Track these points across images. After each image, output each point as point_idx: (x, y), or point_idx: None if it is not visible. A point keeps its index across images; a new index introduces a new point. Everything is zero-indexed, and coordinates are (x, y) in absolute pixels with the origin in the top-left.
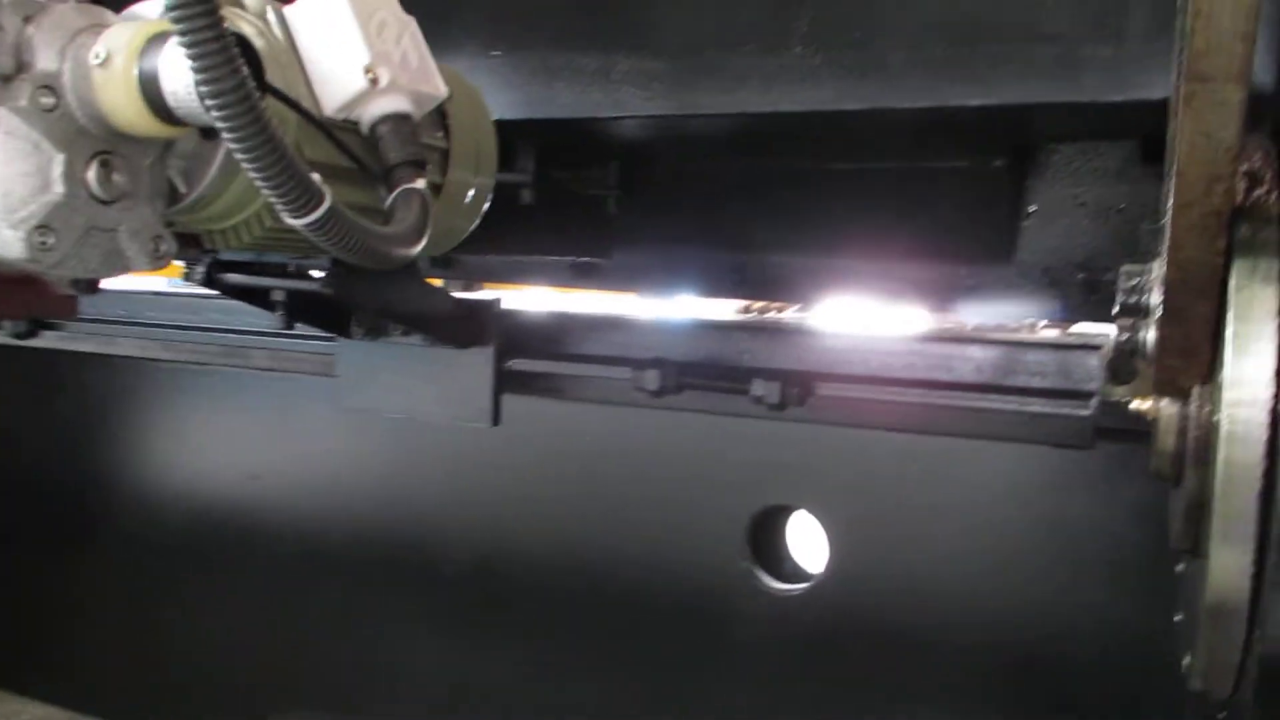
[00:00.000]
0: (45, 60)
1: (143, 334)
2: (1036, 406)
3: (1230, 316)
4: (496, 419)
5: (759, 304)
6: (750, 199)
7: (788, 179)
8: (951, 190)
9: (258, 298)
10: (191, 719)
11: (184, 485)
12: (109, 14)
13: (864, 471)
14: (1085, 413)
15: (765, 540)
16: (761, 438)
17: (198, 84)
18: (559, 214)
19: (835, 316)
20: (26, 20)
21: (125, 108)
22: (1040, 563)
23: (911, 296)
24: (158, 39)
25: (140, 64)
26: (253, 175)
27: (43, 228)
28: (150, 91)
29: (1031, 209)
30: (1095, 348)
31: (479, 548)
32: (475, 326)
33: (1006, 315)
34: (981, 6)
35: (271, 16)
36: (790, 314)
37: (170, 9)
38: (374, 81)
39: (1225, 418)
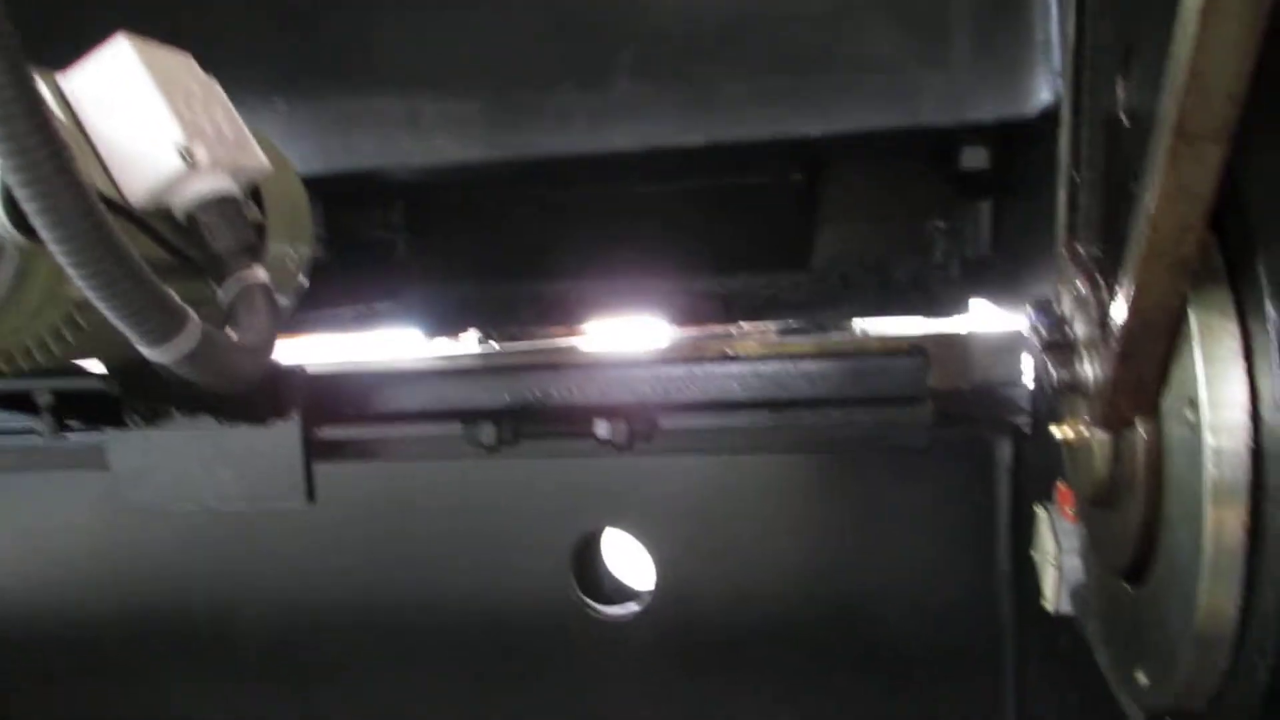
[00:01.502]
0: None
1: None
2: (874, 415)
3: (1197, 351)
4: (311, 495)
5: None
6: (545, 226)
7: (585, 204)
8: (750, 205)
9: (17, 403)
10: None
11: None
12: None
13: (688, 488)
14: (921, 416)
15: (588, 566)
16: (583, 467)
17: (28, 201)
18: (345, 259)
19: (612, 338)
20: None
21: None
22: (874, 556)
23: (711, 311)
24: None
25: None
26: (104, 306)
27: None
28: None
29: (823, 217)
30: (923, 352)
31: (283, 628)
32: (276, 397)
33: (806, 320)
34: (809, 37)
35: (42, 88)
36: (565, 341)
37: None
38: (191, 161)
39: (1208, 443)
